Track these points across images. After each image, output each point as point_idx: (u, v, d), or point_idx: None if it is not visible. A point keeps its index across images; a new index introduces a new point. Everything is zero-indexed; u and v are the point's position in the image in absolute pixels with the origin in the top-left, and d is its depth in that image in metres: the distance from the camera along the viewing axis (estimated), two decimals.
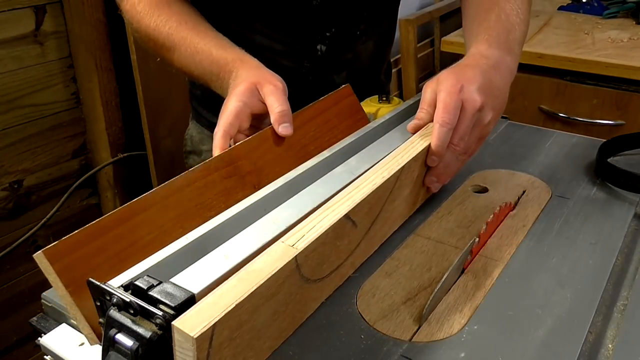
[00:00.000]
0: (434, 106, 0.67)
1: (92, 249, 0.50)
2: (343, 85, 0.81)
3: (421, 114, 0.69)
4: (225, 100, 0.71)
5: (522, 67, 1.62)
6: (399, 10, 1.00)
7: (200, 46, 0.76)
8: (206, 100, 0.98)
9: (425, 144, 0.65)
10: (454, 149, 0.66)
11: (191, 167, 1.04)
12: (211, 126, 0.99)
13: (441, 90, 0.66)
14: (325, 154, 0.71)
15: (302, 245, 0.49)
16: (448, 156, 0.67)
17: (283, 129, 0.68)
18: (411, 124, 0.70)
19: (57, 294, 0.58)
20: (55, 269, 0.48)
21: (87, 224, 0.51)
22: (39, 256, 0.47)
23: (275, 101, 0.68)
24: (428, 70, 2.19)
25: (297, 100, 0.77)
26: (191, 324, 0.40)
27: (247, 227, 0.56)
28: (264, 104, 0.70)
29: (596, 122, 1.61)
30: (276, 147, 0.69)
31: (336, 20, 0.87)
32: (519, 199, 0.75)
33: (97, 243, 0.51)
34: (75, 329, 0.57)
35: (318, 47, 0.88)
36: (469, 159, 0.72)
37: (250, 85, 0.70)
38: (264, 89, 0.69)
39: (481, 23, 0.78)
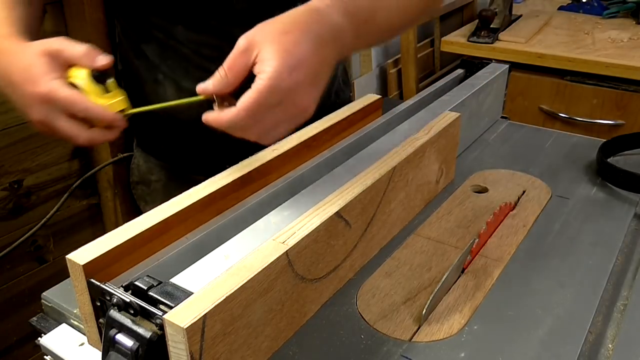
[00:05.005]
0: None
1: (126, 263, 0.51)
2: (375, 96, 0.80)
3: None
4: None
5: (522, 67, 1.65)
6: None
7: None
8: (150, 124, 0.91)
9: (417, 146, 0.66)
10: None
11: (140, 197, 1.00)
12: (158, 153, 0.92)
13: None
14: (326, 154, 0.71)
15: (292, 242, 0.50)
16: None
17: (102, 60, 0.61)
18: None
19: (59, 296, 0.59)
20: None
21: (124, 237, 0.51)
22: (74, 265, 0.48)
23: (72, 45, 0.61)
24: (428, 70, 2.19)
25: None
26: (182, 317, 0.41)
27: (247, 227, 0.56)
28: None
29: (596, 122, 1.61)
30: (306, 161, 0.70)
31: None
32: (519, 199, 0.75)
33: (132, 256, 0.51)
34: (76, 329, 0.57)
35: None
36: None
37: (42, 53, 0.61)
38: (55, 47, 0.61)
39: None
